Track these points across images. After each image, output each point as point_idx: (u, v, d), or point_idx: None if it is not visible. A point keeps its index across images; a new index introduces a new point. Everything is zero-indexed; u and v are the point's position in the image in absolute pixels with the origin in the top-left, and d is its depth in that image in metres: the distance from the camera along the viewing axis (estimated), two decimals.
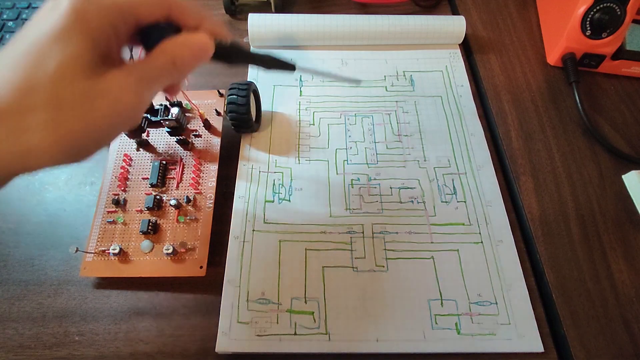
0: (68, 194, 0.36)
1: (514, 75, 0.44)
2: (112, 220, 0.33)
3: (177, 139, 0.36)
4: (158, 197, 0.34)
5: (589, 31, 0.40)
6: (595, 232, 0.34)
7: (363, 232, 0.34)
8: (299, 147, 0.39)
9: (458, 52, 0.45)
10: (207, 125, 0.37)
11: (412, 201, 0.36)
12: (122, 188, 0.35)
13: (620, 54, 0.41)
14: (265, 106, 0.41)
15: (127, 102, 0.20)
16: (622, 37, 0.41)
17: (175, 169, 0.35)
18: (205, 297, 0.32)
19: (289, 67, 0.30)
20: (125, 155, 0.36)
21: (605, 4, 0.38)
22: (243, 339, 0.30)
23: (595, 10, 0.39)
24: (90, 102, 0.18)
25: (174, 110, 0.34)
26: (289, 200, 0.36)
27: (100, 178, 0.36)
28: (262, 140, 0.39)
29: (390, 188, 0.36)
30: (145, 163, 0.36)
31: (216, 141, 0.37)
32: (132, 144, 0.36)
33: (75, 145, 0.19)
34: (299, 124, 0.40)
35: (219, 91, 0.38)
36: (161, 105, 0.35)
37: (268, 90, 0.42)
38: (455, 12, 0.50)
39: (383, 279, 0.32)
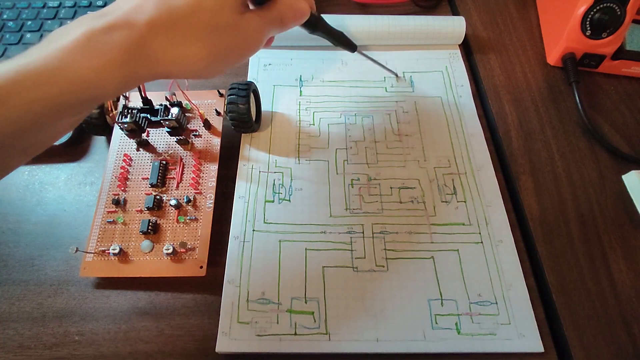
0: (68, 194, 0.36)
1: (514, 75, 0.44)
2: (112, 220, 0.33)
3: (177, 139, 0.36)
4: (158, 197, 0.34)
5: (589, 31, 0.40)
6: (595, 232, 0.34)
7: (363, 232, 0.34)
8: (299, 147, 0.39)
9: (458, 53, 0.45)
10: (207, 125, 0.37)
11: (412, 201, 0.36)
12: (122, 188, 0.35)
13: (620, 54, 0.41)
14: (265, 106, 0.41)
15: (255, 38, 0.25)
16: (622, 37, 0.41)
17: (175, 169, 0.35)
18: (205, 297, 0.32)
19: (351, 46, 0.37)
20: (125, 155, 0.36)
21: (605, 4, 0.38)
22: (243, 339, 0.30)
23: (595, 10, 0.39)
24: (235, 32, 0.24)
25: (174, 110, 0.34)
26: (289, 200, 0.36)
27: (100, 178, 0.36)
28: (262, 140, 0.39)
29: (390, 188, 0.36)
30: (145, 163, 0.36)
31: (216, 141, 0.37)
32: (132, 144, 0.36)
33: (217, 62, 0.24)
34: (299, 124, 0.40)
35: (219, 91, 0.38)
36: (161, 105, 0.35)
37: (268, 90, 0.42)
38: (455, 12, 0.50)
39: (383, 279, 0.32)
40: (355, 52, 0.38)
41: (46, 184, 0.37)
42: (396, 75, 0.42)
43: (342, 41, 0.36)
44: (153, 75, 0.23)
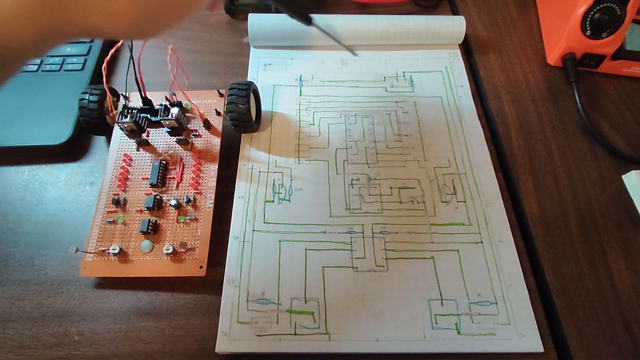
0: (68, 194, 0.36)
1: (514, 75, 0.44)
2: (112, 220, 0.33)
3: (177, 139, 0.36)
4: (158, 197, 0.34)
5: (589, 31, 0.40)
6: (595, 232, 0.34)
7: (363, 232, 0.34)
8: (299, 147, 0.39)
9: (458, 52, 0.45)
10: (207, 125, 0.37)
11: (412, 201, 0.36)
12: (122, 188, 0.35)
13: (620, 54, 0.41)
14: (265, 106, 0.41)
15: None
16: (622, 37, 0.41)
17: (175, 169, 0.35)
18: (205, 297, 0.32)
19: (307, 19, 0.34)
20: (125, 155, 0.36)
21: (605, 4, 0.38)
22: (243, 339, 0.30)
23: (595, 10, 0.39)
24: None
25: (174, 110, 0.34)
26: (289, 200, 0.36)
27: (100, 178, 0.36)
28: (262, 140, 0.39)
29: (390, 188, 0.36)
30: (145, 163, 0.36)
31: (216, 141, 0.37)
32: (132, 144, 0.36)
33: (149, 20, 0.21)
34: (299, 124, 0.40)
35: (219, 91, 0.38)
36: (161, 105, 0.35)
37: (268, 90, 0.42)
38: (455, 12, 0.50)
39: (383, 279, 0.32)
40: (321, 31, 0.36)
41: (46, 184, 0.37)
42: (354, 53, 0.41)
43: (295, 11, 0.34)
44: (75, 31, 0.20)
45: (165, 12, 0.22)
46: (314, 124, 0.40)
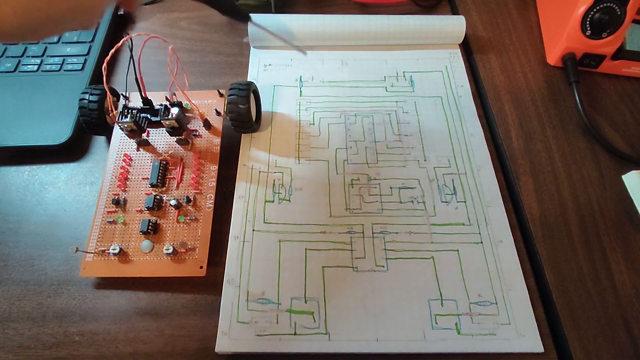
0: (68, 194, 0.36)
1: (514, 75, 0.44)
2: (112, 220, 0.33)
3: (177, 139, 0.36)
4: (158, 197, 0.34)
5: (589, 31, 0.40)
6: (596, 233, 0.34)
7: (363, 232, 0.34)
8: (299, 147, 0.39)
9: (458, 52, 0.45)
10: (207, 125, 0.37)
11: (412, 201, 0.36)
12: (122, 188, 0.35)
13: (620, 54, 0.41)
14: (265, 106, 0.41)
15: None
16: (622, 37, 0.41)
17: (176, 169, 0.35)
18: (205, 297, 0.32)
19: (243, 16, 0.36)
20: (125, 155, 0.36)
21: (605, 4, 0.38)
22: (243, 338, 0.30)
23: (595, 10, 0.39)
24: None
25: (174, 110, 0.34)
26: (289, 200, 0.36)
27: (100, 178, 0.36)
28: (262, 140, 0.39)
29: (390, 188, 0.36)
30: (145, 163, 0.36)
31: (216, 141, 0.37)
32: (132, 144, 0.36)
33: (37, 21, 0.20)
34: (299, 124, 0.40)
35: (219, 91, 0.38)
36: (161, 105, 0.35)
37: (268, 90, 0.42)
38: (455, 12, 0.50)
39: (383, 279, 0.32)
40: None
41: (46, 184, 0.37)
42: (304, 53, 0.42)
43: (231, 11, 0.35)
44: None
45: (58, 15, 0.21)
46: (314, 124, 0.40)
